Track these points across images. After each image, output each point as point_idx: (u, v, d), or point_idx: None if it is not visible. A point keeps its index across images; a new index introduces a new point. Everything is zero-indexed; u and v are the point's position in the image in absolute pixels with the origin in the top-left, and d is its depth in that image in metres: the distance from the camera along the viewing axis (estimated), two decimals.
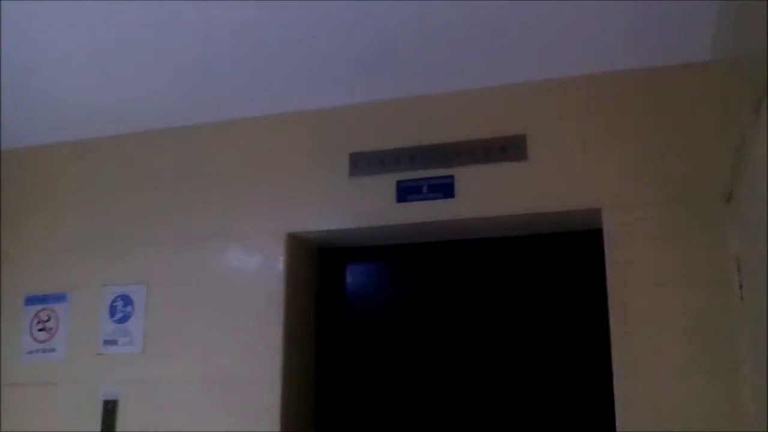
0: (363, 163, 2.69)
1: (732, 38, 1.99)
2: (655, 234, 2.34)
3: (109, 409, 2.74)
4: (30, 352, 2.92)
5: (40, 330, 2.93)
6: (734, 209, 2.18)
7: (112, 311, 2.85)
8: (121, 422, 2.74)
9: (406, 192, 2.63)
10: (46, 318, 2.93)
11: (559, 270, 2.67)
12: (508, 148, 2.55)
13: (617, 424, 2.24)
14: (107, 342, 2.83)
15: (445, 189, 2.59)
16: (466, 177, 2.58)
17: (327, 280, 2.93)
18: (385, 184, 2.66)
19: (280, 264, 2.70)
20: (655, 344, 2.26)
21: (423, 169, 2.62)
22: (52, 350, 2.89)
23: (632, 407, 2.24)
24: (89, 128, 3.02)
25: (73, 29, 2.28)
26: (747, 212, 1.98)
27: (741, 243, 2.11)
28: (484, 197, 2.55)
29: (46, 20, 2.22)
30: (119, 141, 3.05)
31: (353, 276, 2.94)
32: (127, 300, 2.85)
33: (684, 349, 2.24)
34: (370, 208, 2.67)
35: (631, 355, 2.28)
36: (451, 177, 2.60)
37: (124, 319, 2.83)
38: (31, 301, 2.97)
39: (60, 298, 2.93)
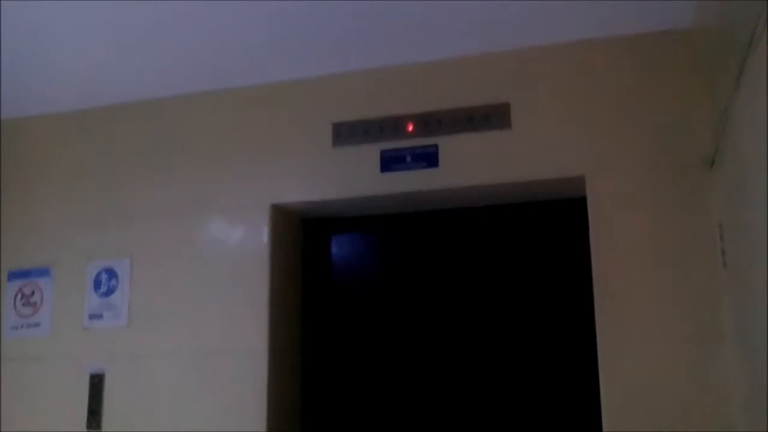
0: (346, 133, 2.67)
1: (714, 5, 1.98)
2: (639, 201, 2.35)
3: (96, 383, 2.74)
4: (14, 328, 2.90)
5: (24, 305, 2.91)
6: (717, 175, 2.19)
7: (97, 285, 2.84)
8: (108, 396, 2.73)
9: (390, 162, 2.62)
10: (29, 293, 2.91)
11: (543, 238, 2.68)
12: (492, 117, 2.54)
13: (601, 391, 2.26)
14: (92, 316, 2.82)
15: (429, 158, 2.58)
16: (450, 146, 2.57)
17: (312, 251, 2.92)
18: (369, 153, 2.65)
19: (264, 235, 2.70)
20: (638, 311, 2.28)
21: (406, 138, 2.61)
22: (37, 325, 2.88)
23: (616, 374, 2.26)
24: (69, 100, 2.98)
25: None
26: (730, 178, 1.99)
27: (723, 209, 2.12)
28: (468, 166, 2.54)
29: None
30: (101, 113, 3.01)
31: (338, 247, 2.93)
32: (111, 274, 2.83)
33: (667, 316, 2.26)
34: (353, 178, 2.66)
35: (614, 321, 2.29)
36: (435, 146, 2.58)
37: (108, 293, 2.82)
38: (14, 275, 2.94)
39: (43, 272, 2.91)
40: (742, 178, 1.79)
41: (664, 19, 2.36)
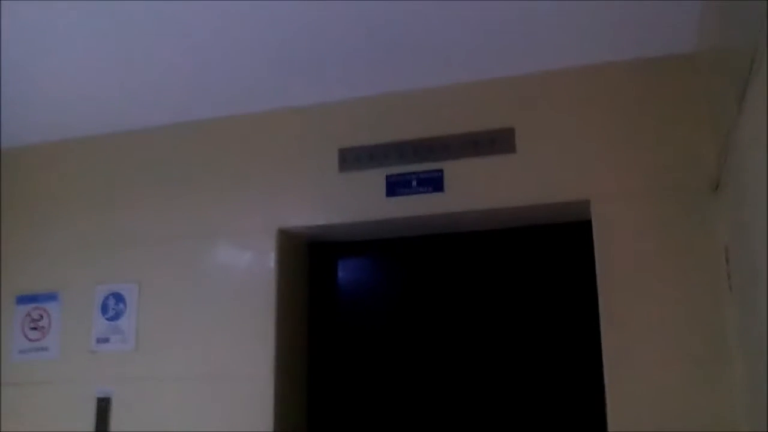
0: (352, 158, 2.69)
1: (716, 29, 1.99)
2: (644, 224, 2.35)
3: (103, 406, 2.75)
4: (22, 351, 2.92)
5: (33, 329, 2.93)
6: (722, 199, 2.19)
7: (104, 309, 2.85)
8: (115, 420, 2.74)
9: (395, 186, 2.63)
10: (38, 317, 2.93)
11: (549, 261, 2.68)
12: (497, 141, 2.56)
13: (608, 412, 2.25)
14: (100, 340, 2.84)
15: (434, 183, 2.60)
16: (456, 170, 2.58)
17: (318, 276, 2.93)
18: (375, 178, 2.66)
19: (271, 260, 2.71)
20: (644, 334, 2.27)
21: (412, 163, 2.63)
22: (45, 349, 2.89)
23: (622, 396, 2.25)
24: (79, 127, 3.01)
25: (70, 26, 2.27)
26: (734, 202, 1.99)
27: (729, 232, 2.12)
28: (473, 190, 2.55)
29: (46, 17, 2.21)
30: (110, 139, 3.04)
31: (345, 271, 2.94)
32: (119, 298, 2.85)
33: (673, 339, 2.25)
34: (360, 202, 2.67)
35: (620, 344, 2.29)
36: (441, 171, 2.60)
37: (116, 317, 2.83)
38: (22, 300, 2.97)
39: (51, 297, 2.93)
40: (746, 201, 1.79)
41: (667, 43, 2.38)
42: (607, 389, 2.27)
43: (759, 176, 1.59)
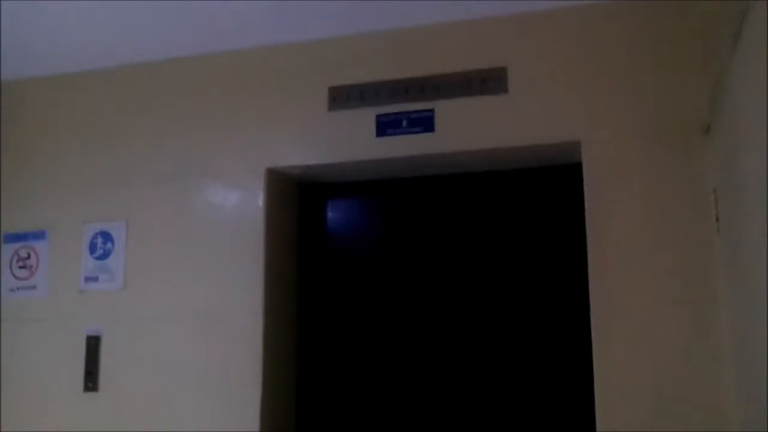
0: (342, 97, 2.66)
1: None
2: (634, 167, 2.35)
3: (92, 345, 2.76)
4: (11, 290, 2.92)
5: (21, 267, 2.92)
6: (713, 142, 2.19)
7: (92, 248, 2.85)
8: (105, 358, 2.76)
9: (385, 126, 2.61)
10: (26, 255, 2.92)
11: (539, 204, 2.69)
12: (488, 81, 2.53)
13: (594, 356, 2.28)
14: (88, 279, 2.84)
15: (425, 123, 2.58)
16: (447, 110, 2.56)
17: (307, 216, 2.93)
18: (365, 118, 2.64)
19: (259, 199, 2.70)
20: (632, 276, 2.29)
21: (403, 102, 2.60)
22: (33, 287, 2.89)
23: (609, 338, 2.28)
24: (66, 63, 2.96)
25: None
26: (725, 145, 1.99)
27: (718, 175, 2.12)
28: (464, 131, 2.54)
29: None
30: (98, 76, 2.99)
31: (334, 211, 2.94)
32: (107, 237, 2.84)
33: (662, 281, 2.27)
34: (349, 142, 2.65)
35: (607, 285, 2.31)
36: (432, 111, 2.58)
37: (104, 256, 2.83)
38: (9, 239, 2.95)
39: (39, 235, 2.92)
40: (737, 145, 1.79)
41: None
42: (593, 333, 2.30)
43: (752, 119, 1.59)
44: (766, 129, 1.42)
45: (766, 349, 1.55)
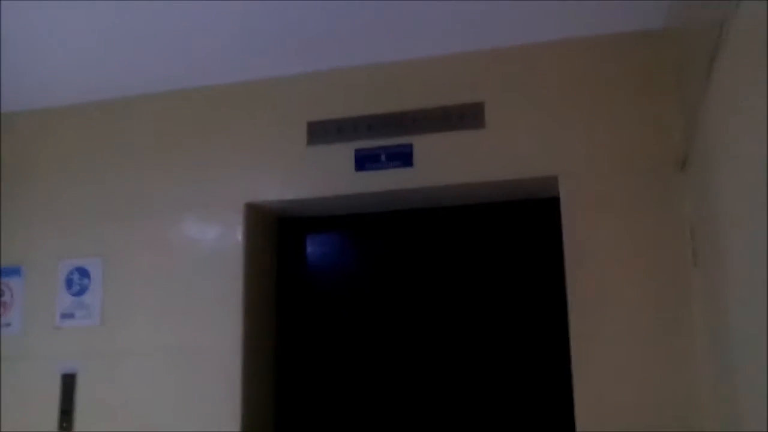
0: (321, 132, 2.67)
1: (685, 6, 1.99)
2: (611, 201, 2.36)
3: (68, 383, 2.72)
4: None
5: None
6: (688, 176, 2.21)
7: (69, 284, 2.81)
8: (81, 396, 2.72)
9: (364, 161, 2.62)
10: (0, 292, 2.88)
11: (517, 237, 2.69)
12: (466, 116, 2.55)
13: (574, 386, 2.28)
14: (64, 315, 2.80)
15: (403, 158, 2.59)
16: (425, 145, 2.57)
17: (287, 250, 2.92)
18: (344, 152, 2.64)
19: (238, 234, 2.69)
20: (610, 309, 2.30)
21: (381, 137, 2.61)
22: (8, 325, 2.85)
23: (589, 370, 2.28)
24: (42, 99, 2.95)
25: None
26: (700, 179, 2.01)
27: (695, 209, 2.14)
28: (442, 165, 2.55)
29: None
30: (71, 112, 2.98)
31: (313, 246, 2.93)
32: (83, 273, 2.81)
33: (639, 314, 2.27)
34: (328, 177, 2.65)
35: (587, 319, 2.31)
36: (410, 145, 2.59)
37: (81, 292, 2.80)
38: None
39: (14, 271, 2.88)
40: (712, 179, 1.81)
41: (636, 20, 2.38)
42: (573, 363, 2.29)
43: (724, 154, 1.60)
44: (744, 163, 1.43)
45: (746, 384, 1.55)
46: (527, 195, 2.62)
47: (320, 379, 2.79)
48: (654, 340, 2.25)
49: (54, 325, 2.81)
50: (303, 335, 2.83)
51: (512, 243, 2.69)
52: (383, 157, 2.60)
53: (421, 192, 2.61)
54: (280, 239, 2.92)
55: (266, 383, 2.76)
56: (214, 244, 2.71)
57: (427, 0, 2.26)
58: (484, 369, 2.63)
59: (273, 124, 2.74)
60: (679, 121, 2.27)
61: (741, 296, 1.53)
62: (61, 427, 2.69)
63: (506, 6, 2.30)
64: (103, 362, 2.72)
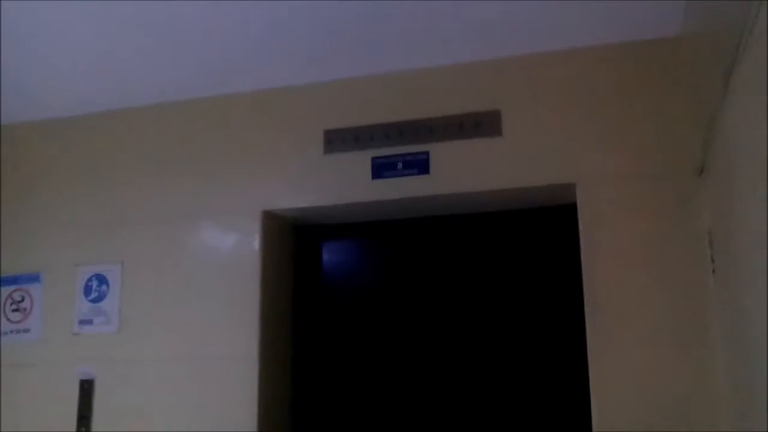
0: (338, 140, 2.68)
1: (702, 13, 1.99)
2: (629, 208, 2.36)
3: (86, 389, 2.73)
4: (5, 333, 2.89)
5: (14, 311, 2.90)
6: (706, 183, 2.20)
7: (87, 291, 2.83)
8: (98, 402, 2.73)
9: (381, 168, 2.62)
10: (19, 298, 2.90)
11: (534, 244, 2.69)
12: (482, 124, 2.55)
13: (592, 395, 2.27)
14: (83, 322, 2.82)
15: (420, 165, 2.59)
16: (442, 153, 2.58)
17: (303, 258, 2.93)
18: (360, 160, 2.65)
19: (255, 242, 2.70)
20: (628, 317, 2.29)
21: (398, 145, 2.62)
22: (27, 331, 2.87)
23: (606, 379, 2.27)
24: (62, 107, 2.98)
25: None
26: (718, 186, 2.00)
27: (712, 216, 2.13)
28: (459, 173, 2.55)
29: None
30: (93, 120, 3.01)
31: (329, 253, 2.93)
32: (102, 279, 2.83)
33: (657, 322, 2.26)
34: (345, 185, 2.66)
35: (603, 327, 2.30)
36: (426, 153, 2.59)
37: (99, 299, 2.82)
38: (3, 281, 2.93)
39: (33, 278, 2.90)
40: (730, 186, 1.80)
41: (653, 27, 2.38)
42: (591, 373, 2.29)
43: (743, 161, 1.60)
44: (763, 169, 1.43)
45: (764, 390, 1.54)
46: (544, 202, 2.62)
47: (336, 386, 2.79)
48: (672, 347, 2.24)
49: (72, 331, 2.83)
50: (319, 342, 2.84)
51: (529, 250, 2.69)
52: (400, 165, 2.61)
53: (438, 199, 2.62)
54: (296, 247, 2.93)
55: (282, 390, 2.76)
56: (231, 251, 2.73)
57: (443, 8, 2.27)
58: (502, 376, 2.63)
59: (290, 133, 2.76)
60: (697, 128, 2.26)
61: (759, 304, 1.52)
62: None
63: (522, 14, 2.31)
64: (120, 368, 2.74)
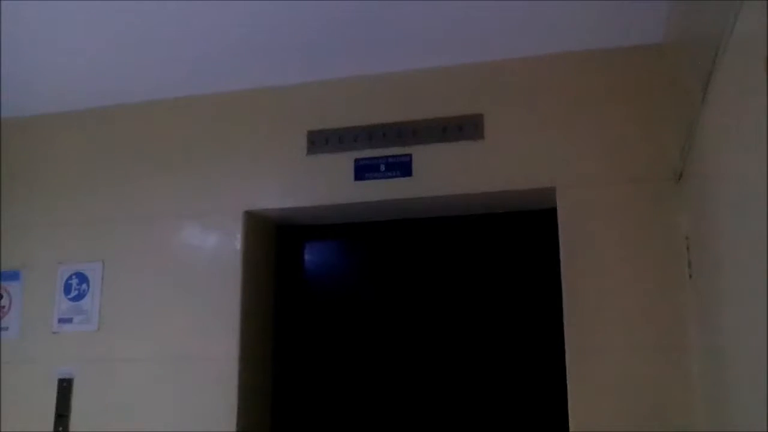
0: (320, 141, 2.69)
1: (683, 20, 2.02)
2: (608, 213, 2.38)
3: (64, 387, 2.72)
4: None
5: None
6: (685, 188, 2.22)
7: (67, 289, 2.82)
8: (77, 401, 2.72)
9: (363, 170, 2.63)
10: None
11: (514, 248, 2.71)
12: (465, 127, 2.57)
13: (569, 398, 2.29)
14: (62, 320, 2.80)
15: (402, 167, 2.60)
16: (424, 156, 2.59)
17: (285, 258, 2.93)
18: (343, 162, 2.66)
19: (237, 242, 2.70)
20: (605, 320, 2.31)
21: (381, 147, 2.63)
22: (5, 329, 2.85)
23: (584, 381, 2.29)
24: (42, 104, 2.97)
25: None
26: (696, 191, 2.02)
27: (690, 221, 2.15)
28: (441, 176, 2.56)
29: None
30: (71, 118, 3.00)
31: (312, 254, 2.94)
32: (82, 278, 2.82)
33: (634, 326, 2.28)
34: (327, 186, 2.67)
35: (582, 331, 2.32)
36: (409, 156, 2.60)
37: (79, 297, 2.80)
38: None
39: (12, 276, 2.89)
40: (708, 192, 1.83)
41: (635, 34, 2.40)
42: (568, 376, 2.30)
43: (717, 167, 1.62)
44: (735, 176, 1.45)
45: (740, 396, 1.56)
46: (525, 206, 2.64)
47: (317, 387, 2.79)
48: (649, 351, 2.26)
49: (52, 329, 2.81)
50: (300, 342, 2.84)
51: (510, 253, 2.71)
52: (382, 167, 2.61)
53: (420, 202, 2.63)
54: (278, 247, 2.93)
55: (263, 390, 2.76)
56: (212, 251, 2.72)
57: (427, 11, 2.28)
58: (481, 378, 2.64)
59: (273, 133, 2.76)
60: (676, 134, 2.29)
61: (735, 308, 1.55)
62: (56, 431, 2.69)
63: (506, 19, 2.33)
64: (100, 367, 2.73)
